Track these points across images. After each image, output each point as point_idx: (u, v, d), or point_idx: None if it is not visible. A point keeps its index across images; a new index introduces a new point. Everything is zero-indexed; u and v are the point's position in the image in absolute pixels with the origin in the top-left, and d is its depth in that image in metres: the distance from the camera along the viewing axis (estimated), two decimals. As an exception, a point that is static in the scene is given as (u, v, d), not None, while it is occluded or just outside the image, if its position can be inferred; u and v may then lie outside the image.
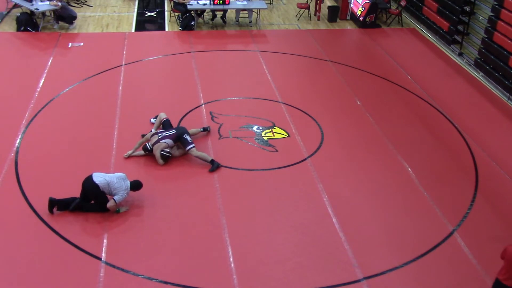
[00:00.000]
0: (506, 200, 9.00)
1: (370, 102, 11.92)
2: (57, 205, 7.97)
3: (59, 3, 14.82)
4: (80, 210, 8.01)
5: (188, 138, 9.46)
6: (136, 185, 8.26)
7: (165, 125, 9.91)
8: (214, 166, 9.28)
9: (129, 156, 9.44)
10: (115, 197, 7.92)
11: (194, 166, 9.37)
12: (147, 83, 12.25)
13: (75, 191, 8.33)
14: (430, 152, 10.24)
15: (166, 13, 17.10)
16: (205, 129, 10.24)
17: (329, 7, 17.21)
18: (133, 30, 15.56)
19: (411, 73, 13.59)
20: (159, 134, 9.45)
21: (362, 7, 16.59)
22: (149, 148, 9.34)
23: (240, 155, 9.77)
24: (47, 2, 14.86)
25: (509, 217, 8.58)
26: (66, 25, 15.19)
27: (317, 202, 8.64)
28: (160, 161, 9.29)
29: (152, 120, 10.47)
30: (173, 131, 9.50)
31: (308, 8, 17.28)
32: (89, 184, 7.92)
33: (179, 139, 9.47)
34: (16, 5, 15.77)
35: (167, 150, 9.31)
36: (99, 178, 7.94)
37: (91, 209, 8.04)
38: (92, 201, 8.07)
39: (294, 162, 9.64)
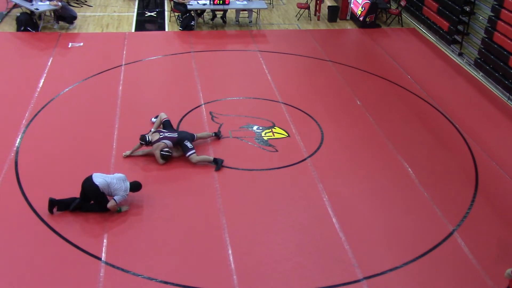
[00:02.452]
0: (506, 200, 9.00)
1: (370, 102, 11.93)
2: (57, 205, 7.96)
3: (59, 3, 14.82)
4: (80, 210, 8.01)
5: (189, 144, 9.40)
6: (135, 186, 8.25)
7: (166, 125, 9.90)
8: (218, 165, 9.28)
9: (128, 156, 9.44)
10: (115, 198, 7.93)
11: (194, 166, 9.36)
12: (147, 83, 12.25)
13: (75, 191, 8.33)
14: (430, 152, 10.24)
15: (166, 13, 17.10)
16: (216, 134, 10.13)
17: (329, 7, 17.21)
18: (133, 30, 15.56)
19: (411, 73, 13.60)
20: (161, 134, 9.44)
21: (362, 7, 16.59)
22: (147, 139, 9.31)
23: (240, 155, 9.77)
24: (47, 2, 14.86)
25: (509, 217, 8.58)
26: (66, 25, 15.19)
27: (317, 202, 8.64)
28: (160, 160, 9.28)
29: (153, 120, 10.47)
30: (175, 134, 9.47)
31: (308, 8, 17.28)
32: (88, 185, 7.92)
33: (180, 144, 9.45)
34: (16, 5, 15.76)
35: (167, 149, 9.30)
36: (99, 179, 7.94)
37: (91, 209, 8.04)
38: (91, 201, 8.07)
39: (294, 162, 9.64)
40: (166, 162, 9.35)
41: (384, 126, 10.98)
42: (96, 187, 7.88)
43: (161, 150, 9.23)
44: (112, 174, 8.31)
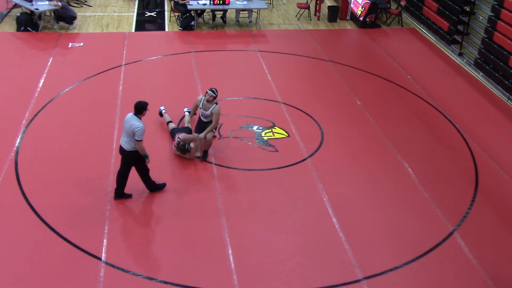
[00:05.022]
0: (506, 200, 9.00)
1: (370, 102, 11.93)
2: (121, 190, 8.29)
3: (59, 3, 14.82)
4: (124, 197, 8.34)
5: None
6: (138, 107, 7.88)
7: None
8: (203, 156, 9.48)
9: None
10: (135, 137, 7.77)
11: (194, 166, 9.37)
12: (147, 83, 12.25)
13: (75, 191, 8.38)
14: (430, 152, 10.24)
15: (166, 13, 17.10)
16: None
17: (329, 7, 17.22)
18: (133, 30, 15.57)
19: (411, 73, 13.60)
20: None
21: (362, 7, 16.60)
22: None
23: (240, 155, 9.77)
24: (47, 2, 14.86)
25: (509, 217, 8.59)
26: (66, 25, 15.19)
27: (317, 202, 8.64)
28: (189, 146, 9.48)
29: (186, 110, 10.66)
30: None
31: (308, 8, 17.28)
32: (123, 153, 8.06)
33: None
34: (16, 5, 15.77)
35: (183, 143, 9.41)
36: (123, 143, 7.96)
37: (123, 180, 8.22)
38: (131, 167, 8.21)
39: (294, 162, 9.64)
40: (182, 154, 9.46)
41: (384, 126, 10.98)
42: (127, 152, 7.94)
43: (178, 144, 9.36)
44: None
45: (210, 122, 9.36)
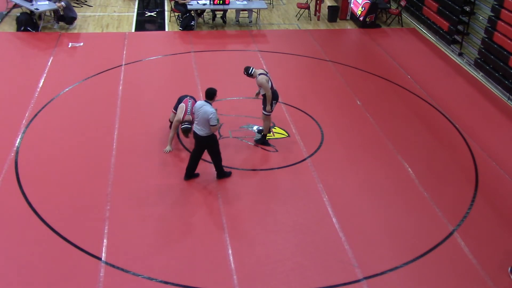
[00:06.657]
0: (506, 200, 9.00)
1: (370, 102, 11.93)
2: (192, 171, 8.83)
3: (63, 3, 14.81)
4: (194, 177, 8.91)
5: None
6: (209, 93, 8.46)
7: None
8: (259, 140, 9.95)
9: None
10: (210, 122, 8.23)
11: (194, 166, 9.38)
12: (147, 83, 12.26)
13: (75, 191, 8.36)
14: (430, 152, 10.25)
15: (166, 13, 17.11)
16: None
17: (329, 7, 17.22)
18: (133, 30, 15.57)
19: (411, 73, 13.60)
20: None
21: (362, 7, 16.60)
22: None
23: (240, 155, 9.78)
24: (47, 2, 14.86)
25: (509, 217, 8.59)
26: (66, 25, 15.19)
27: (317, 202, 8.64)
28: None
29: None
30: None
31: (308, 8, 17.28)
32: (198, 140, 8.52)
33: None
34: (16, 5, 15.77)
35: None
36: (197, 129, 8.44)
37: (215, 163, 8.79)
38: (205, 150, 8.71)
39: (294, 162, 9.64)
40: (184, 134, 9.38)
41: (384, 126, 10.98)
42: (200, 137, 8.44)
43: (183, 124, 9.33)
44: (197, 117, 8.46)
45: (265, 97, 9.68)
